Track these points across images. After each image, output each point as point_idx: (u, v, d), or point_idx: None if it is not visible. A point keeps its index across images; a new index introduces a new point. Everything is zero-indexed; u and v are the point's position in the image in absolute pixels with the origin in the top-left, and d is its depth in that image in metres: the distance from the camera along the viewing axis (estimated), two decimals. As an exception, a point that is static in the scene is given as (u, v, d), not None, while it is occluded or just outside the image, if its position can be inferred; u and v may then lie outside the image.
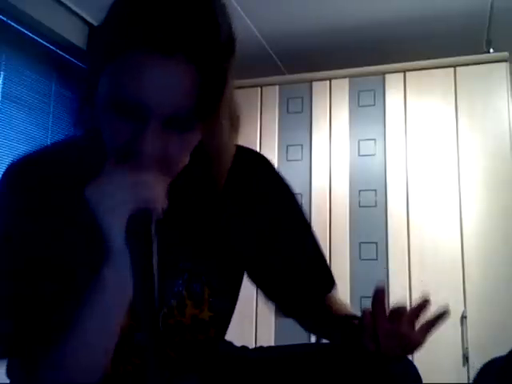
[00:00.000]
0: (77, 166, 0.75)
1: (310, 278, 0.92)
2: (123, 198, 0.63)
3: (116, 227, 0.64)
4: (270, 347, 0.99)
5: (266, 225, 0.89)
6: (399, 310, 0.76)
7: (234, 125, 0.77)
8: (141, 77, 0.62)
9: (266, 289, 0.95)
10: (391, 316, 0.76)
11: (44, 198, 0.75)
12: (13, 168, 0.78)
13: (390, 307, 0.76)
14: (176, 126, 0.66)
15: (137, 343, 0.77)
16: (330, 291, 0.94)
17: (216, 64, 0.65)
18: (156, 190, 0.65)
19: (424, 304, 0.78)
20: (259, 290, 0.95)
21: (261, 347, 0.98)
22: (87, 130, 0.80)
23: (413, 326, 0.77)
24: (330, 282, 0.95)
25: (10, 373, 0.87)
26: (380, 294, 0.76)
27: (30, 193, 0.76)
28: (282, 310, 0.96)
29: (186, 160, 0.71)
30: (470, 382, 2.37)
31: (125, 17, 0.64)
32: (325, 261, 0.95)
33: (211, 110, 0.68)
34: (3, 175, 0.77)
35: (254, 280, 0.94)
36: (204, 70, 0.64)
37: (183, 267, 0.81)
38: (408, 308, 0.77)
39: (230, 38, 0.68)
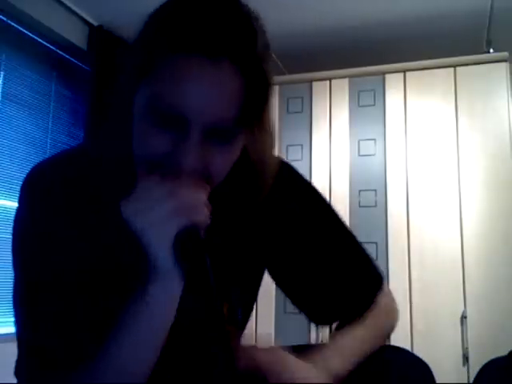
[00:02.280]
0: (101, 176, 0.71)
1: (353, 280, 0.86)
2: (166, 212, 0.60)
3: (162, 245, 0.60)
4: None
5: (302, 238, 0.85)
6: None
7: (274, 141, 0.75)
8: (184, 83, 0.60)
9: (303, 300, 0.88)
10: None
11: (71, 206, 0.70)
12: (35, 174, 0.72)
13: None
14: (219, 136, 0.63)
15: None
16: (377, 289, 0.86)
17: (260, 68, 0.63)
18: (199, 201, 0.62)
19: None
20: (292, 302, 0.89)
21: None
22: (108, 140, 0.75)
23: None
24: (375, 280, 0.88)
25: (18, 372, 0.87)
26: None
27: (57, 199, 0.70)
28: (319, 318, 0.88)
29: (228, 170, 0.68)
30: (470, 382, 2.37)
31: (168, 21, 0.62)
32: (368, 260, 0.90)
33: (257, 116, 0.66)
34: (25, 182, 0.72)
35: (288, 292, 0.89)
36: (250, 74, 0.61)
37: None
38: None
39: (267, 44, 0.66)
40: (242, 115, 0.63)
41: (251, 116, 0.64)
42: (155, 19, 0.65)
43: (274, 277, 0.89)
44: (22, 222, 0.71)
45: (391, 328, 0.86)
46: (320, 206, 0.90)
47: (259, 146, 0.73)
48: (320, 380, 0.68)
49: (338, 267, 0.85)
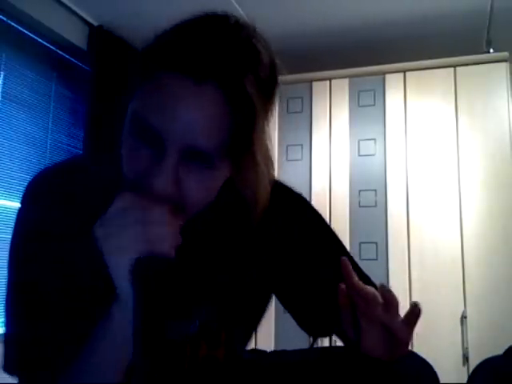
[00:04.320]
0: (95, 189, 0.72)
1: None
2: (129, 240, 0.59)
3: (121, 269, 0.60)
4: (276, 352, 0.96)
5: (302, 265, 0.85)
6: (370, 292, 0.70)
7: (268, 166, 0.72)
8: (166, 103, 0.59)
9: (302, 315, 0.90)
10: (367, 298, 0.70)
11: (68, 217, 0.71)
12: (36, 183, 0.74)
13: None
14: (198, 160, 0.61)
15: None
16: None
17: (249, 97, 0.60)
18: (166, 230, 0.60)
19: (386, 293, 0.70)
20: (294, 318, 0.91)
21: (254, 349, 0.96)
22: (106, 154, 0.76)
23: (395, 315, 0.71)
24: None
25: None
26: (345, 266, 0.70)
27: (56, 208, 0.72)
28: (317, 331, 0.89)
29: (210, 197, 0.67)
30: (470, 382, 2.37)
31: (162, 42, 0.62)
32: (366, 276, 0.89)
33: (243, 147, 0.63)
34: (27, 191, 0.74)
35: (288, 307, 0.91)
36: (236, 102, 0.59)
37: (201, 308, 0.78)
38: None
39: (270, 73, 0.64)
40: (224, 143, 0.61)
41: (236, 146, 0.62)
42: (158, 36, 0.64)
43: (276, 294, 0.90)
44: (21, 228, 0.72)
45: None
46: (317, 225, 0.90)
47: (249, 179, 0.71)
48: None
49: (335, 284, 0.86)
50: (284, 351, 0.92)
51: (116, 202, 0.61)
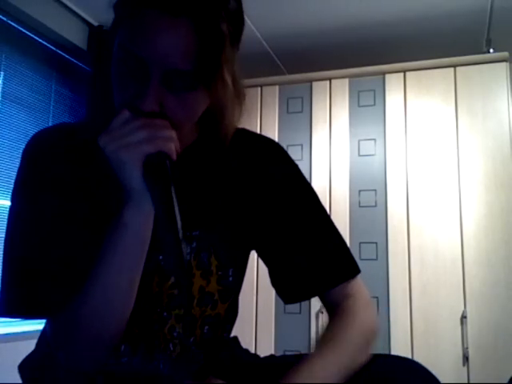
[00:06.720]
0: (92, 142, 0.78)
1: (322, 262, 0.85)
2: (138, 139, 0.67)
3: (133, 166, 0.67)
4: (279, 356, 0.95)
5: (276, 204, 0.88)
6: None
7: (239, 98, 0.79)
8: (148, 33, 0.67)
9: (275, 269, 0.89)
10: None
11: (63, 166, 0.78)
12: (35, 139, 0.81)
13: None
14: (178, 81, 0.69)
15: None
16: (344, 279, 0.84)
17: (215, 29, 0.69)
18: (169, 135, 0.69)
19: None
20: (269, 275, 0.90)
21: (272, 355, 0.94)
22: (101, 112, 0.84)
23: None
24: (344, 268, 0.85)
25: (22, 368, 0.87)
26: None
27: (50, 161, 0.78)
28: (288, 296, 0.88)
29: (192, 118, 0.75)
30: (470, 381, 2.37)
31: None
32: (341, 244, 0.88)
33: (213, 71, 0.71)
34: (26, 147, 0.80)
35: (264, 259, 0.91)
36: (204, 34, 0.68)
37: (191, 235, 0.81)
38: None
39: (237, 6, 0.72)
40: (197, 67, 0.69)
41: (207, 70, 0.70)
42: None
43: (256, 249, 0.92)
44: (22, 176, 0.78)
45: (367, 341, 0.80)
46: (300, 184, 0.94)
47: (218, 97, 0.78)
48: None
49: (309, 243, 0.86)
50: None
51: (118, 116, 0.69)
